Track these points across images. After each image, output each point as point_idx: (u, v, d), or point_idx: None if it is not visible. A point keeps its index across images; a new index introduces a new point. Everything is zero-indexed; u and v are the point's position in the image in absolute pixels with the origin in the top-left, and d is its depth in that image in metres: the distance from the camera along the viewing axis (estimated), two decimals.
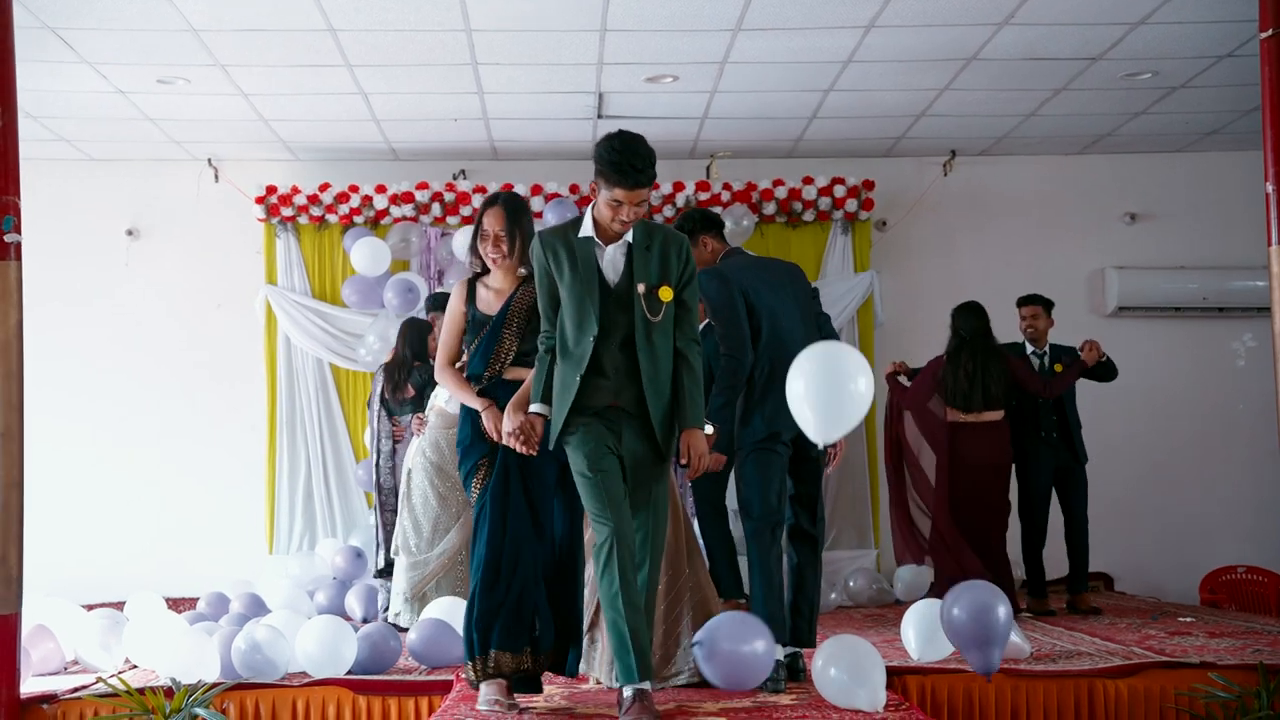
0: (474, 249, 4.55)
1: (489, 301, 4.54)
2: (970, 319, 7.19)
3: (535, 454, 4.27)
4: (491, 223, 4.48)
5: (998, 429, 7.14)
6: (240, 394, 8.90)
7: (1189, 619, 6.82)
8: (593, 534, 4.25)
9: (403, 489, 6.88)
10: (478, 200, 8.61)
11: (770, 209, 8.76)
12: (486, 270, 4.58)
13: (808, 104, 7.99)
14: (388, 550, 7.22)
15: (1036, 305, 7.51)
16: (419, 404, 7.12)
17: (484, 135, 8.54)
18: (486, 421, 4.39)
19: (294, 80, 7.39)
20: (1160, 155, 9.19)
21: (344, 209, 8.71)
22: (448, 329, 4.58)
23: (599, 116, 8.11)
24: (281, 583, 7.56)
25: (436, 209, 8.73)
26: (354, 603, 7.21)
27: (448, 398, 6.58)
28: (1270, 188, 4.83)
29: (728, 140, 8.70)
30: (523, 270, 4.55)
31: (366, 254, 8.46)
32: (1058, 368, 7.32)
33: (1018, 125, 8.52)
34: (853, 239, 8.90)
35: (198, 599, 7.32)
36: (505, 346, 4.47)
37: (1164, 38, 6.85)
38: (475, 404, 4.45)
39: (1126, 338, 8.97)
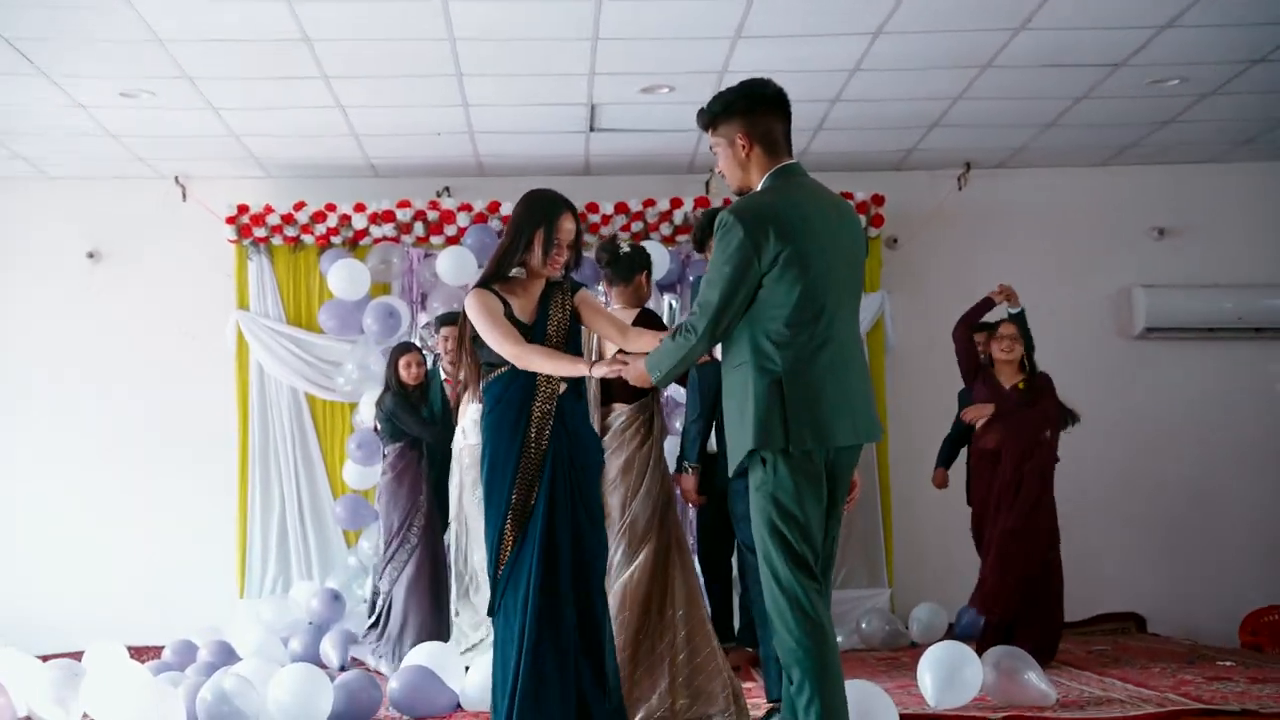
0: (526, 251, 4.36)
1: (523, 308, 4.39)
2: None
3: None
4: (569, 230, 4.37)
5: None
6: (210, 427, 8.82)
7: (1229, 663, 6.77)
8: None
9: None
10: (463, 219, 8.61)
11: None
12: (504, 277, 4.40)
13: (813, 115, 7.95)
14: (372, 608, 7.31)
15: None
16: (393, 435, 7.21)
17: (469, 150, 8.54)
18: (602, 370, 4.14)
19: (267, 93, 7.36)
20: (1190, 166, 9.14)
21: (320, 229, 8.67)
22: (496, 322, 4.28)
23: (591, 129, 8.13)
24: (253, 629, 7.51)
25: (419, 229, 8.69)
26: (330, 650, 7.19)
27: (471, 424, 6.49)
28: None
29: None
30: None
31: (344, 277, 8.44)
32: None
33: (1037, 135, 8.49)
34: None
35: (163, 647, 7.27)
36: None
37: (1193, 42, 6.81)
38: (578, 368, 4.21)
39: (1155, 361, 9.01)
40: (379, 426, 7.32)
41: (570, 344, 4.41)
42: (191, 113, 7.64)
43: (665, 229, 8.75)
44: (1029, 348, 6.93)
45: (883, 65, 7.09)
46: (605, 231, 8.64)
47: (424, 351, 7.54)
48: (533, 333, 4.33)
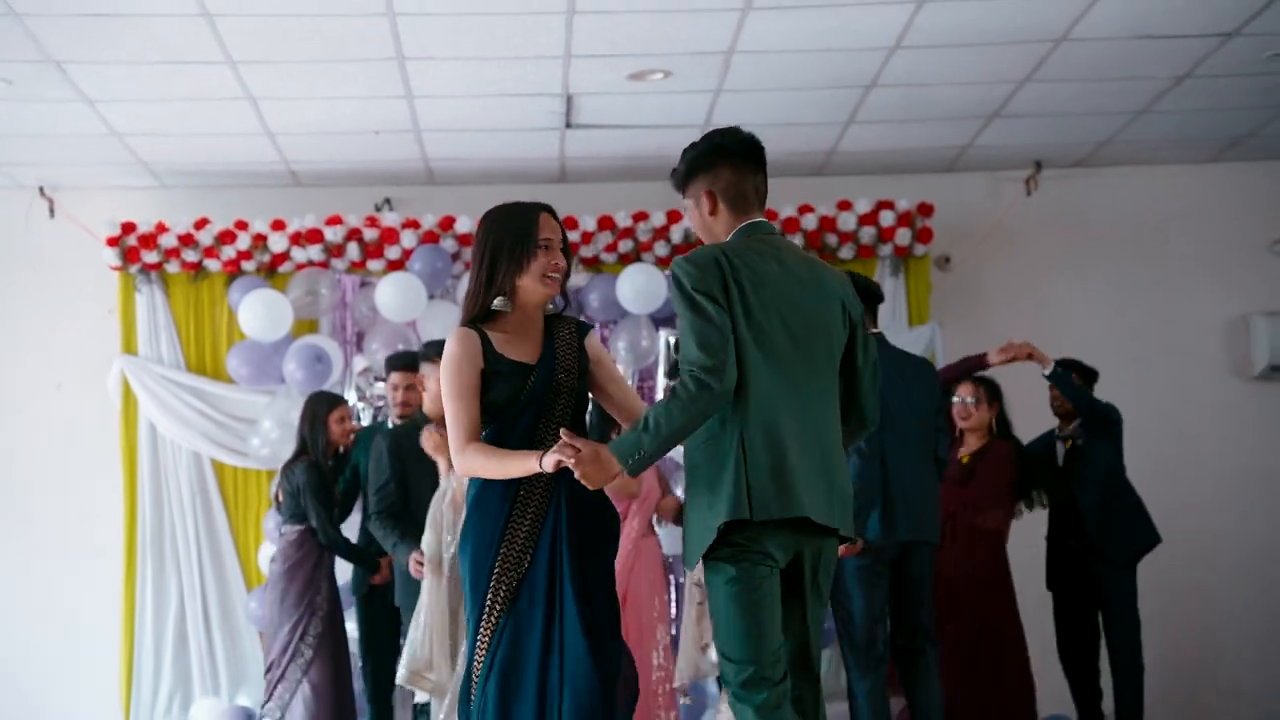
0: (512, 270, 4.31)
1: (519, 346, 4.34)
2: None
3: None
4: (553, 229, 4.38)
5: None
6: (86, 504, 8.75)
7: None
8: None
9: None
10: (408, 239, 8.63)
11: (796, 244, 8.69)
12: (486, 314, 4.34)
13: (843, 104, 7.97)
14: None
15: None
16: (294, 514, 7.14)
17: (415, 153, 8.58)
18: (550, 463, 4.12)
19: (156, 81, 7.32)
20: None
21: (229, 252, 8.64)
22: (459, 393, 4.26)
23: (567, 126, 8.16)
24: None
25: (353, 251, 8.69)
26: None
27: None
28: None
29: None
30: (551, 306, 4.47)
31: (260, 312, 8.40)
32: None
33: (1125, 126, 8.47)
34: (905, 281, 8.90)
35: None
36: (562, 404, 4.33)
37: None
38: (527, 464, 4.18)
39: None
40: (280, 499, 7.28)
41: (581, 398, 4.41)
42: (61, 106, 7.59)
43: (660, 248, 8.77)
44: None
45: (930, 40, 7.08)
46: (586, 252, 8.69)
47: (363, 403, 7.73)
48: (536, 374, 4.30)
